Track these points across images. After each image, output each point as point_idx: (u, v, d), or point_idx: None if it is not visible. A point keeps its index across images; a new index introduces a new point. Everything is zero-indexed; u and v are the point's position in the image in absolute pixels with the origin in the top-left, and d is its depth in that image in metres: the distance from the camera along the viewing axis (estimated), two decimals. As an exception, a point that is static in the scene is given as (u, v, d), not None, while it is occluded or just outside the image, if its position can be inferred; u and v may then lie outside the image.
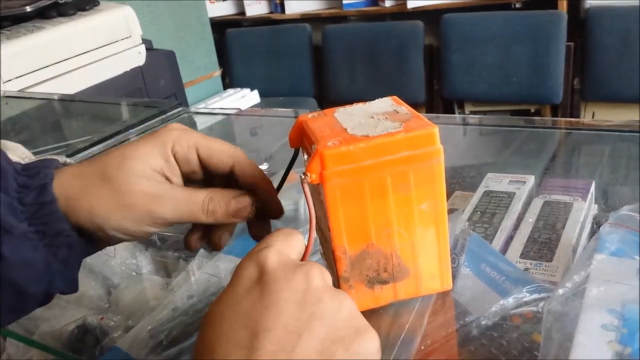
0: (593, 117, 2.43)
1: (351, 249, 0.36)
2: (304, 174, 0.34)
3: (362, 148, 0.33)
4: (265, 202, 0.41)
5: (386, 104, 0.39)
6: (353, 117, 0.37)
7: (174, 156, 0.38)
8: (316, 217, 0.35)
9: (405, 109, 0.38)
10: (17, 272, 0.35)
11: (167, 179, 0.38)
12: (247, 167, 0.40)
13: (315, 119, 0.38)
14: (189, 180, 0.41)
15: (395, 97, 0.40)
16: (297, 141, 0.40)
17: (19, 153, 0.41)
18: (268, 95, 2.85)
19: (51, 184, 0.36)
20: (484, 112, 2.57)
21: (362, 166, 0.34)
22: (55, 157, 0.40)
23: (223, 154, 0.39)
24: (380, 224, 0.36)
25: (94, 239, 0.39)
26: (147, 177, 0.37)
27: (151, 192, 0.36)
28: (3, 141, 0.41)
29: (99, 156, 0.38)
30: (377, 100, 0.40)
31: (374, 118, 0.36)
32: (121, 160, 0.37)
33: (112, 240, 0.39)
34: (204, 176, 0.41)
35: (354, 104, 0.40)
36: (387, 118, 0.36)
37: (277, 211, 0.42)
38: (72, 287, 0.40)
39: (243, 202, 0.39)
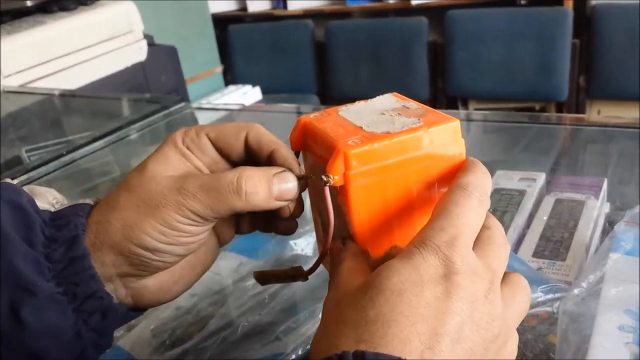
0: (599, 114, 2.42)
1: (374, 253, 0.34)
2: (326, 176, 0.32)
3: (386, 145, 0.32)
4: (285, 165, 0.36)
5: (390, 100, 0.37)
6: (361, 114, 0.36)
7: (188, 149, 0.36)
8: (327, 222, 0.34)
9: (414, 104, 0.36)
10: (41, 341, 0.31)
11: (190, 173, 0.36)
12: (263, 135, 0.36)
13: (319, 119, 0.37)
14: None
15: (396, 92, 0.38)
16: (300, 144, 0.38)
17: (49, 199, 0.37)
18: (270, 92, 2.84)
19: (83, 236, 0.32)
20: (489, 110, 2.55)
21: (386, 165, 0.32)
22: (88, 200, 0.35)
23: (234, 128, 0.36)
24: (404, 225, 0.34)
25: (137, 303, 0.35)
26: (168, 176, 0.34)
27: (175, 186, 0.33)
28: (32, 186, 0.37)
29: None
30: (378, 97, 0.39)
31: (385, 115, 0.35)
32: (141, 169, 0.34)
33: (159, 264, 0.34)
34: (227, 164, 0.38)
35: (355, 102, 0.38)
36: (400, 114, 0.34)
37: (303, 185, 0.37)
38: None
39: (287, 179, 0.34)
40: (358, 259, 0.32)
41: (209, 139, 0.37)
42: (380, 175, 0.32)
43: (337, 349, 0.26)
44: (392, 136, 0.32)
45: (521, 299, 0.30)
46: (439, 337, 0.26)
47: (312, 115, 0.37)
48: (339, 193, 0.33)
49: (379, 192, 0.33)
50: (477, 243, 0.30)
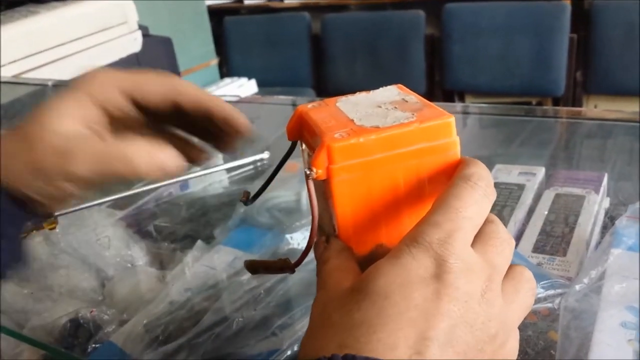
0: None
1: (359, 250, 0.33)
2: (309, 169, 0.31)
3: (372, 140, 0.31)
4: (228, 121, 0.38)
5: (392, 92, 0.36)
6: (358, 107, 0.35)
7: (102, 105, 0.36)
8: (319, 215, 0.33)
9: (414, 97, 0.35)
10: None
11: (93, 131, 0.35)
12: (190, 94, 0.37)
13: (316, 109, 0.36)
14: (130, 126, 0.37)
15: (400, 85, 0.37)
16: (296, 133, 0.37)
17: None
18: (266, 85, 2.82)
19: None
20: (485, 104, 2.55)
21: (372, 160, 0.31)
22: None
23: (157, 87, 0.36)
24: (391, 223, 0.33)
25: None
26: (60, 132, 0.34)
27: (61, 148, 0.33)
28: None
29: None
30: (381, 88, 0.37)
31: (382, 108, 0.34)
32: (39, 115, 0.35)
33: (39, 204, 0.35)
34: (148, 118, 0.38)
35: (357, 93, 0.37)
36: (396, 108, 0.33)
37: (243, 125, 0.38)
38: (16, 257, 0.37)
39: (170, 155, 0.35)
40: (343, 256, 0.31)
41: (131, 97, 0.36)
42: (366, 171, 0.31)
43: (323, 353, 0.25)
44: (380, 131, 0.31)
45: (525, 293, 0.29)
46: (427, 341, 0.24)
47: (309, 105, 0.36)
48: (325, 187, 0.32)
49: (365, 188, 0.31)
50: (479, 237, 0.29)
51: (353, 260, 0.31)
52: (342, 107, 0.35)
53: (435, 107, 0.33)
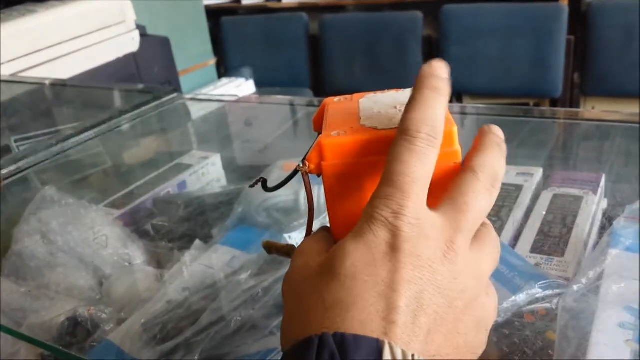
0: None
1: None
2: (303, 162, 0.31)
3: (363, 141, 0.30)
4: None
5: None
6: (376, 105, 0.34)
7: None
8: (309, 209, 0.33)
9: None
10: None
11: None
12: None
13: (337, 104, 0.36)
14: None
15: None
16: (320, 125, 0.37)
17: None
18: (263, 86, 2.82)
19: None
20: (483, 105, 2.55)
21: (364, 161, 0.31)
22: None
23: None
24: None
25: None
26: None
27: None
28: None
29: None
30: (412, 88, 0.37)
31: (396, 109, 0.33)
32: None
33: None
34: None
35: (386, 91, 0.37)
36: None
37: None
38: None
39: None
40: (317, 238, 0.32)
41: None
42: (358, 172, 0.31)
43: (304, 335, 0.26)
44: (375, 133, 0.31)
45: (490, 250, 0.30)
46: (398, 309, 0.25)
47: (335, 99, 0.37)
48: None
49: (357, 186, 0.31)
50: (443, 197, 0.29)
51: (328, 244, 0.31)
52: (362, 104, 0.35)
53: (446, 114, 0.31)
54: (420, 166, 0.28)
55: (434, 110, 0.29)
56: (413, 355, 0.24)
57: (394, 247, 0.27)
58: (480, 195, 0.29)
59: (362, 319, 0.25)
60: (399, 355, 0.24)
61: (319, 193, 0.37)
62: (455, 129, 0.30)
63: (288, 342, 0.27)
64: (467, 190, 0.29)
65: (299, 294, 0.29)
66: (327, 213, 0.33)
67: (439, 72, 0.30)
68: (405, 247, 0.26)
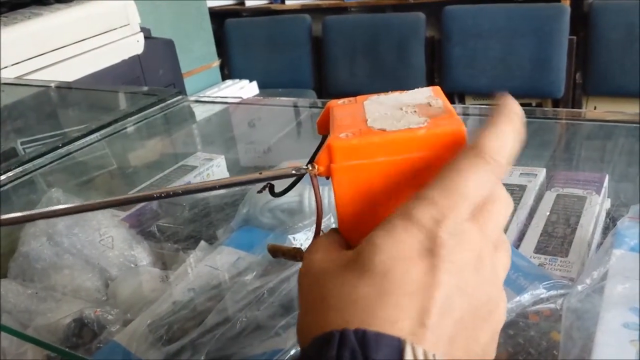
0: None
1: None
2: (311, 164, 0.31)
3: (373, 143, 0.30)
4: None
5: (423, 95, 0.36)
6: (381, 107, 0.34)
7: None
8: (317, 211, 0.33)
9: (441, 102, 0.34)
10: None
11: None
12: None
13: (342, 106, 0.36)
14: None
15: (437, 87, 0.36)
16: (325, 128, 0.37)
17: None
18: (267, 87, 2.82)
19: None
20: (485, 106, 2.55)
21: (374, 163, 0.31)
22: None
23: None
24: None
25: None
26: None
27: None
28: None
29: None
30: (416, 89, 0.37)
31: (402, 110, 0.33)
32: None
33: None
34: None
35: (390, 92, 0.37)
36: (415, 111, 0.33)
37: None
38: None
39: None
40: (331, 233, 0.32)
41: None
42: (367, 173, 0.31)
43: (325, 330, 0.25)
44: (384, 134, 0.30)
45: (503, 254, 0.30)
46: (427, 312, 0.25)
47: (339, 102, 0.37)
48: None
49: (365, 188, 0.31)
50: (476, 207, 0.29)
51: (342, 241, 0.32)
52: (367, 106, 0.35)
53: (454, 116, 0.32)
54: (477, 188, 0.27)
55: (511, 147, 0.29)
56: (434, 355, 0.24)
57: (429, 250, 0.26)
58: (504, 203, 0.29)
59: (389, 318, 0.25)
60: (420, 355, 0.24)
61: (324, 195, 0.38)
62: (463, 130, 0.30)
63: (306, 337, 0.27)
64: (494, 199, 0.29)
65: (318, 287, 0.28)
66: (331, 214, 0.33)
67: (518, 109, 0.31)
68: (441, 252, 0.26)
